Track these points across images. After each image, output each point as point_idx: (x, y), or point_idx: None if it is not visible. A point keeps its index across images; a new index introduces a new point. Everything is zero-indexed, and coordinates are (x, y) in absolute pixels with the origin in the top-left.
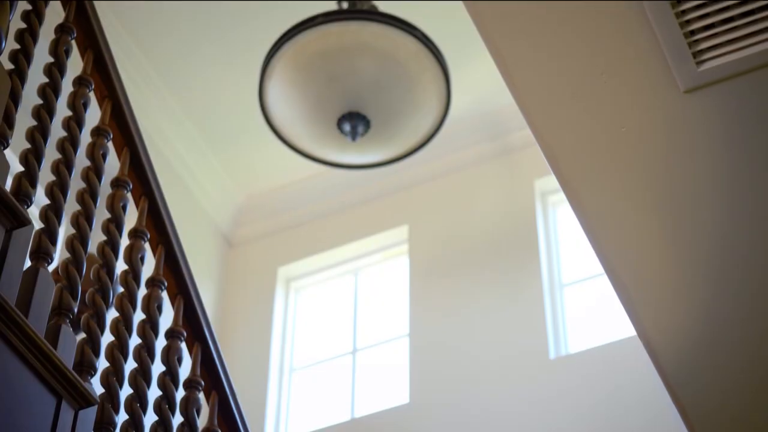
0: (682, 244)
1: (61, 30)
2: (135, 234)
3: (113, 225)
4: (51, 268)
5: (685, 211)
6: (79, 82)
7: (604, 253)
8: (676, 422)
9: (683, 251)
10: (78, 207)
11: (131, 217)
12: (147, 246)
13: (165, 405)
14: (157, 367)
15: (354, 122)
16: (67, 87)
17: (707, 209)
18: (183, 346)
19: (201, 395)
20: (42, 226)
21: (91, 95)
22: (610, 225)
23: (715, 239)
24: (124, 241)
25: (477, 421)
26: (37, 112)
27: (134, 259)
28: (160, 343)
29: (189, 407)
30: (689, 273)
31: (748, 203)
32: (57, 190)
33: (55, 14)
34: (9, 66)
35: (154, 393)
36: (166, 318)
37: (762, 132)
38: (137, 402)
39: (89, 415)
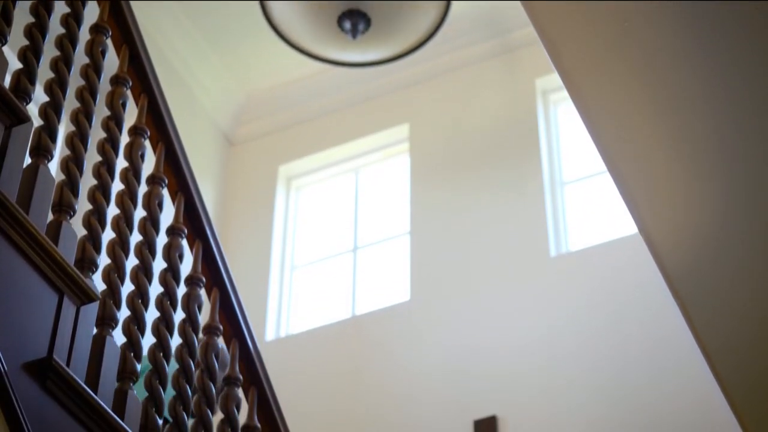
0: (684, 141)
1: None
2: (135, 131)
3: (113, 122)
4: (51, 165)
5: (688, 107)
6: None
7: (606, 149)
8: (676, 318)
9: (686, 147)
10: (77, 104)
11: (131, 115)
12: (147, 143)
13: (166, 301)
14: (158, 264)
15: (354, 20)
16: None
17: (710, 105)
18: (184, 243)
19: (202, 292)
20: (41, 123)
21: None
22: (612, 120)
23: (718, 136)
24: (124, 139)
25: (477, 318)
26: (35, 9)
27: (134, 156)
28: (161, 240)
29: (190, 303)
30: (691, 169)
31: (750, 99)
32: (56, 87)
33: None
34: None
35: (155, 290)
36: (167, 216)
37: (763, 29)
38: (139, 298)
39: (91, 311)
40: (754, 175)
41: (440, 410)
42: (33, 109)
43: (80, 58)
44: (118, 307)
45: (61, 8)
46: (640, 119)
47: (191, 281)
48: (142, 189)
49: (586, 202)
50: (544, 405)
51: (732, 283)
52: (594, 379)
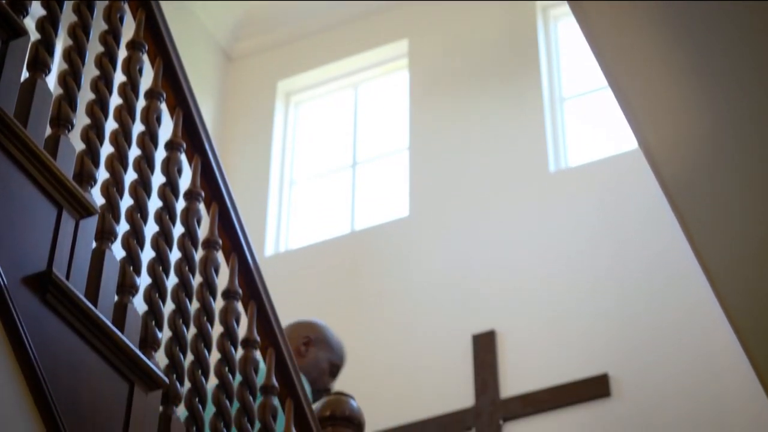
0: (686, 55)
1: None
2: (132, 45)
3: (110, 36)
4: (49, 79)
5: (691, 23)
6: None
7: (607, 63)
8: (675, 233)
9: (687, 61)
10: (75, 18)
11: (129, 29)
12: (145, 58)
13: (165, 215)
14: (157, 179)
15: None
16: None
17: (713, 22)
18: (183, 157)
19: (201, 206)
20: (39, 37)
21: None
22: (614, 35)
23: (719, 52)
24: (122, 53)
25: (476, 233)
26: None
27: (132, 70)
28: (160, 154)
29: (189, 218)
30: (692, 84)
31: (750, 15)
32: (53, 0)
33: None
34: None
35: (154, 204)
36: (166, 131)
37: None
38: (138, 212)
39: (90, 224)
40: (754, 92)
41: (439, 325)
42: (30, 24)
43: None
44: (117, 221)
45: None
46: (643, 35)
47: (190, 195)
48: (141, 103)
49: (585, 118)
50: (542, 320)
51: (731, 198)
52: (592, 294)
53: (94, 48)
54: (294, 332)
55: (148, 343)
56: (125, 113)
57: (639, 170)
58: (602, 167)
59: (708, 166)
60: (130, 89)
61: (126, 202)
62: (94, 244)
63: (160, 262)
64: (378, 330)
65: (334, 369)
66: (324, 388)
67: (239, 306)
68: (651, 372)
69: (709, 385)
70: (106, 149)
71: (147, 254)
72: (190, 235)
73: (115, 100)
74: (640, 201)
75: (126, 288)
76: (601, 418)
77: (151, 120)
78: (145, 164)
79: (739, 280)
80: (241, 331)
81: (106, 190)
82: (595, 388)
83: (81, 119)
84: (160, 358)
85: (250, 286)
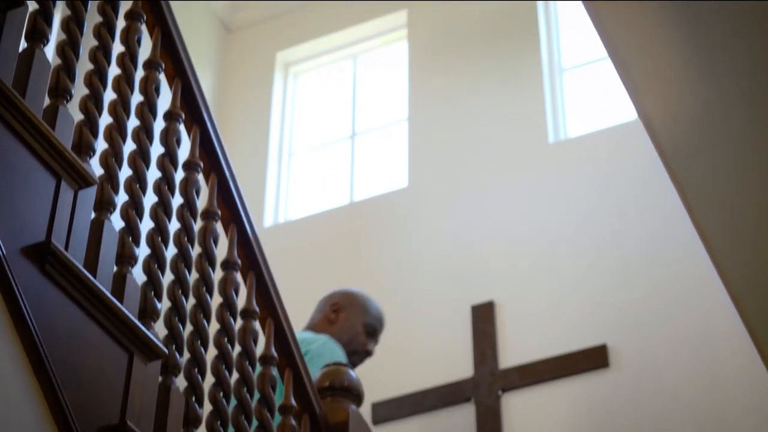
0: (686, 24)
1: None
2: (131, 16)
3: (109, 6)
4: (47, 50)
5: None
6: None
7: (607, 33)
8: (674, 204)
9: (688, 31)
10: None
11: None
12: (144, 28)
13: (164, 186)
14: (156, 150)
15: None
16: None
17: None
18: (181, 128)
19: (200, 177)
20: (37, 7)
21: None
22: (614, 5)
23: (720, 21)
24: (120, 23)
25: (475, 204)
26: None
27: (131, 40)
28: (159, 125)
29: (188, 188)
30: (693, 54)
31: None
32: None
33: None
34: None
35: (153, 175)
36: (164, 101)
37: None
38: (137, 183)
39: (89, 195)
40: (756, 58)
41: (438, 295)
42: None
43: None
44: (116, 192)
45: None
46: (641, 3)
47: (189, 166)
48: (139, 74)
49: (584, 89)
50: (541, 291)
51: (731, 168)
52: (592, 265)
53: (92, 18)
54: (325, 303)
55: (147, 313)
56: (124, 84)
57: (639, 141)
58: (602, 138)
59: (708, 136)
60: (128, 59)
61: (125, 172)
62: (92, 215)
63: (159, 233)
64: (376, 300)
65: (370, 329)
66: (363, 350)
67: (238, 276)
68: (650, 343)
69: (708, 356)
70: (105, 120)
71: (146, 225)
72: (189, 205)
73: (113, 71)
74: (639, 172)
75: (125, 258)
76: (599, 388)
77: (150, 90)
78: (143, 135)
79: (738, 249)
80: (240, 301)
81: (104, 161)
82: (593, 359)
83: (79, 90)
84: (160, 329)
85: (249, 256)
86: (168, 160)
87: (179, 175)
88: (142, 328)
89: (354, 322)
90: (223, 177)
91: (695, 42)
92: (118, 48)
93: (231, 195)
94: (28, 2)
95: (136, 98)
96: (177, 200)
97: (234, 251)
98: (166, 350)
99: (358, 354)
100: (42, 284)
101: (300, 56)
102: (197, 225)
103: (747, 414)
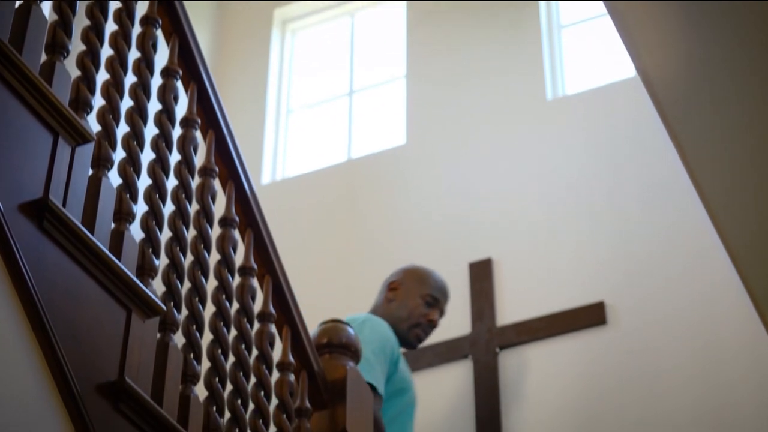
0: None
1: None
2: None
3: None
4: (44, 6)
5: None
6: None
7: None
8: (673, 161)
9: None
10: None
11: None
12: None
13: (162, 143)
14: (153, 106)
15: None
16: None
17: None
18: (179, 84)
19: (198, 133)
20: None
21: None
22: None
23: None
24: None
25: (473, 161)
26: None
27: None
28: (156, 81)
29: (186, 145)
30: (692, 9)
31: None
32: None
33: None
34: None
35: (150, 131)
36: (162, 58)
37: None
38: (134, 140)
39: (86, 151)
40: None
41: (435, 253)
42: None
43: None
44: (114, 149)
45: None
46: None
47: (186, 123)
48: (136, 30)
49: (583, 46)
50: (539, 248)
51: (730, 125)
52: (589, 222)
53: None
54: (384, 284)
55: (145, 270)
56: (120, 39)
57: (637, 98)
58: (600, 95)
59: (707, 93)
60: (125, 15)
61: (122, 129)
62: (90, 171)
63: (156, 190)
64: (374, 257)
65: (430, 299)
66: (426, 320)
67: (236, 233)
68: (647, 300)
69: (706, 313)
70: (102, 76)
71: (143, 182)
72: (186, 162)
73: (110, 26)
74: (638, 129)
75: (123, 215)
76: (597, 345)
77: (147, 47)
78: (141, 91)
79: (736, 206)
80: (238, 258)
81: (102, 117)
82: (591, 316)
83: (76, 46)
84: (158, 286)
85: (246, 213)
86: (165, 116)
87: (177, 132)
88: (140, 284)
89: (411, 296)
90: (220, 134)
91: None
92: (115, 4)
93: (228, 152)
94: None
95: (134, 54)
96: (175, 157)
97: (232, 208)
98: (164, 307)
99: (420, 326)
100: (40, 241)
101: (298, 13)
102: (195, 182)
103: (745, 370)
